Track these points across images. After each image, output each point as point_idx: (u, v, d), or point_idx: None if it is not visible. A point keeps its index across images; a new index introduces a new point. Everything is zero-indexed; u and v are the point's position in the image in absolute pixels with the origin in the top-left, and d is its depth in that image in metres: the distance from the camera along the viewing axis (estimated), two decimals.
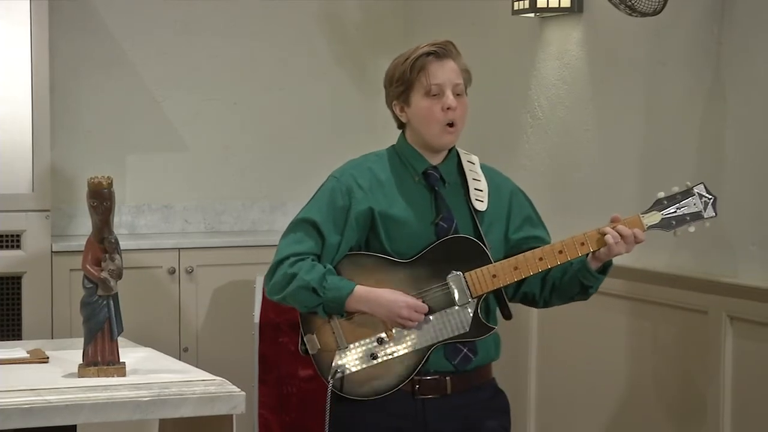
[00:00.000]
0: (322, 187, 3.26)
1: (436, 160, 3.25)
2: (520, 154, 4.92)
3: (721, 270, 4.02)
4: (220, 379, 3.09)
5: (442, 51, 3.19)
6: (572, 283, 3.23)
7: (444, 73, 3.18)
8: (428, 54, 3.19)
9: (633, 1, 3.93)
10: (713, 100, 4.07)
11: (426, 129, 3.20)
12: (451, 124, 3.18)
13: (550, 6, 4.66)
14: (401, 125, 3.29)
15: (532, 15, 4.78)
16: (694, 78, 4.14)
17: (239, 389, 3.03)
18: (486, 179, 3.28)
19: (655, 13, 3.98)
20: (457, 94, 3.19)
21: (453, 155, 3.28)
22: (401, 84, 3.22)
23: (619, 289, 4.29)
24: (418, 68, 3.19)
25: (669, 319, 4.22)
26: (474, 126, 5.26)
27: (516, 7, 4.76)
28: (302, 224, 3.21)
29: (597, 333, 4.53)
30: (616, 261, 3.28)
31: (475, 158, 3.32)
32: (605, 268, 3.22)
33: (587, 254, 3.18)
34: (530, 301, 3.33)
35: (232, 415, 3.02)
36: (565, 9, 4.66)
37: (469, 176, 3.25)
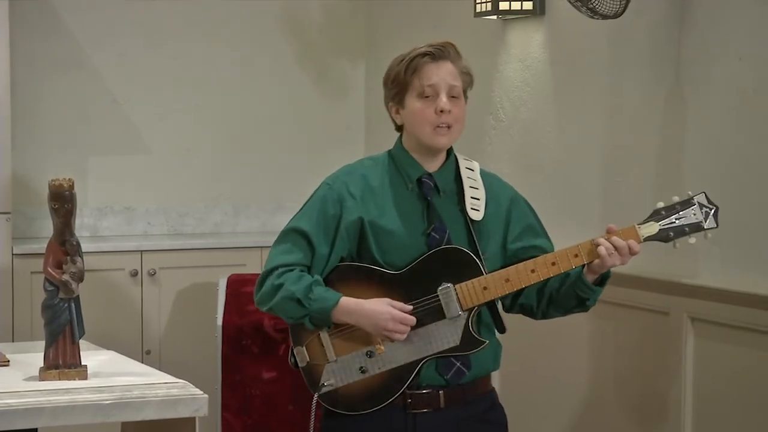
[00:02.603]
0: (314, 194, 3.19)
1: (432, 166, 3.16)
2: (483, 156, 4.93)
3: (683, 271, 4.04)
4: (183, 381, 3.08)
5: (439, 52, 3.10)
6: (569, 295, 3.14)
7: (439, 74, 3.09)
8: (424, 55, 3.10)
9: (594, 4, 3.95)
10: (673, 101, 4.10)
11: (419, 131, 3.11)
12: (447, 126, 3.09)
13: (512, 8, 4.67)
14: (398, 128, 3.20)
15: (494, 17, 4.79)
16: (655, 79, 4.16)
17: (202, 392, 3.02)
18: (485, 187, 3.18)
19: (616, 15, 4.00)
20: (453, 96, 3.10)
21: (451, 161, 3.18)
22: (396, 85, 3.14)
23: None
24: (412, 69, 3.10)
25: (631, 320, 4.24)
26: None
27: (478, 9, 4.78)
28: (292, 234, 3.14)
29: (559, 334, 4.55)
30: None
31: (475, 165, 3.22)
32: (603, 280, 3.13)
33: (582, 266, 3.08)
34: (528, 312, 3.24)
35: (194, 418, 3.00)
36: (527, 11, 4.67)
37: (466, 184, 3.15)
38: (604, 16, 3.99)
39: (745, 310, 3.76)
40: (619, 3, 3.97)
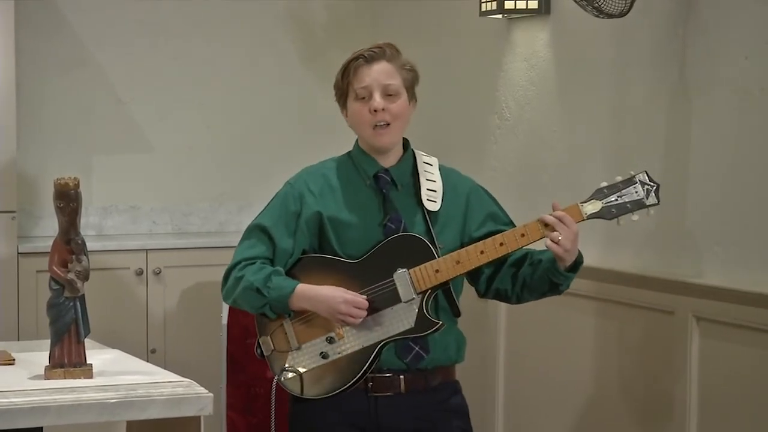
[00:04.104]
0: (277, 194, 3.33)
1: (388, 162, 3.29)
2: (488, 156, 4.93)
3: (687, 270, 4.04)
4: (188, 380, 3.09)
5: (371, 54, 3.24)
6: (542, 280, 3.24)
7: (371, 75, 3.23)
8: (357, 58, 3.25)
9: (600, 3, 3.95)
10: (679, 100, 4.09)
11: (361, 132, 3.27)
12: (386, 125, 3.22)
13: (517, 7, 4.67)
14: None
15: (499, 16, 4.79)
16: (660, 79, 4.16)
17: (207, 391, 3.03)
18: (442, 179, 3.30)
19: (622, 14, 4.00)
20: (389, 95, 3.23)
21: (408, 156, 3.31)
22: (338, 91, 3.32)
23: (586, 289, 4.30)
24: (348, 74, 3.27)
25: (635, 319, 4.23)
26: (442, 128, 5.28)
27: (483, 9, 4.77)
28: (255, 230, 3.29)
29: (564, 333, 4.55)
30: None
31: (434, 160, 3.34)
32: (576, 266, 3.22)
33: (553, 259, 3.17)
34: (503, 297, 3.34)
35: (199, 417, 3.01)
36: (532, 10, 4.67)
37: (423, 177, 3.28)
38: (610, 15, 3.99)
39: (750, 309, 3.76)
40: (624, 2, 3.97)
